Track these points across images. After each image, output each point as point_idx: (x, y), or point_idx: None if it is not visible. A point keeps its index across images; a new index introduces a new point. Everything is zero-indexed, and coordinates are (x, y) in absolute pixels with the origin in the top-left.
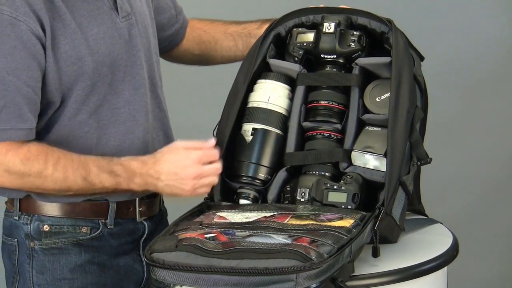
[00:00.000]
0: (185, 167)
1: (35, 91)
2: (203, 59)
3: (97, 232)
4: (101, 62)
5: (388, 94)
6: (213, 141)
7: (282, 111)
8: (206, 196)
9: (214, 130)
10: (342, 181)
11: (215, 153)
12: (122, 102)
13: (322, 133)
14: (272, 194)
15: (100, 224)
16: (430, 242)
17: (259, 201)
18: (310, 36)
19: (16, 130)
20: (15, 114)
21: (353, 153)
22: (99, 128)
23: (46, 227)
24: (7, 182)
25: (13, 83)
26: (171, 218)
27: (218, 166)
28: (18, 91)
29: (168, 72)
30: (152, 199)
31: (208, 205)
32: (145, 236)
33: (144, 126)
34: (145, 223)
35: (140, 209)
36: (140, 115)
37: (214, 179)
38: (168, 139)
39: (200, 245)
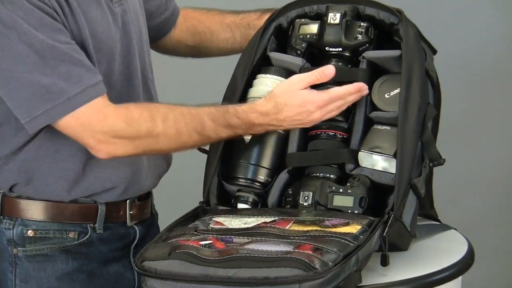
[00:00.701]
0: (309, 113)
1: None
2: (197, 51)
3: (86, 237)
4: (99, 48)
5: (397, 90)
6: (332, 70)
7: None
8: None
9: None
10: (348, 184)
11: (343, 89)
12: (114, 94)
13: (326, 132)
14: (272, 197)
15: (89, 228)
16: (444, 249)
17: (259, 205)
18: (313, 28)
19: (93, 86)
20: (83, 71)
21: (360, 153)
22: None
23: (30, 232)
24: (121, 149)
25: (63, 47)
26: (163, 222)
27: (343, 103)
28: (70, 51)
29: (160, 65)
30: (143, 202)
31: (204, 209)
32: (136, 241)
33: None
34: (136, 227)
35: (131, 212)
36: None
37: (341, 109)
38: None
39: (195, 253)
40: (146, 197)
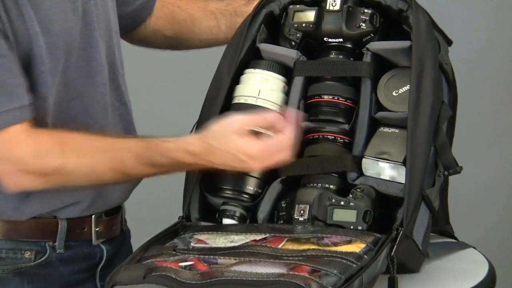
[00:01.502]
0: (242, 162)
1: (12, 65)
2: (177, 42)
3: (44, 257)
4: (54, 44)
5: (407, 87)
6: (275, 115)
7: (276, 108)
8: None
9: (191, 132)
10: (350, 196)
11: (283, 136)
12: (73, 93)
13: (325, 136)
14: (263, 211)
15: (48, 247)
16: (461, 271)
17: (247, 220)
18: (310, 15)
19: (11, 112)
20: (3, 93)
21: (364, 160)
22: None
23: None
24: (29, 183)
25: None
26: (136, 240)
27: (288, 137)
28: None
29: (132, 58)
30: (112, 217)
31: (184, 225)
32: (103, 262)
33: (100, 123)
34: (103, 246)
35: (97, 229)
36: (96, 110)
37: (285, 156)
38: None
39: (174, 276)
40: (115, 212)
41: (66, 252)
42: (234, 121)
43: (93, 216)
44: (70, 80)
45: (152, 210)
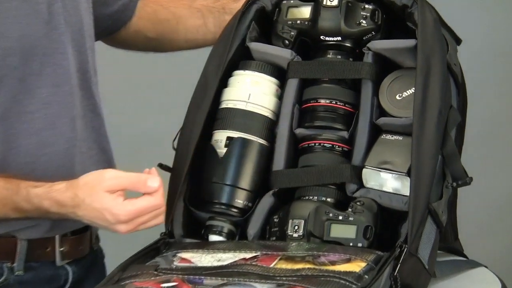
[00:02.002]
0: (109, 223)
1: None
2: (160, 43)
3: (1, 280)
4: (10, 49)
5: (412, 90)
6: (155, 178)
7: (268, 113)
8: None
9: (174, 141)
10: (349, 210)
11: (157, 201)
12: (37, 104)
13: (322, 144)
14: (254, 227)
15: (5, 269)
16: None
17: (236, 237)
18: (305, 11)
19: None
20: None
21: (364, 170)
22: (6, 139)
23: None
24: None
25: None
26: (112, 259)
27: (160, 212)
28: None
29: (106, 61)
30: (79, 236)
31: (166, 242)
32: (68, 285)
33: (67, 137)
34: (69, 268)
35: (61, 249)
36: (62, 122)
37: (157, 222)
38: (104, 155)
39: None
40: (83, 230)
41: (26, 274)
42: (108, 177)
43: (56, 235)
44: (32, 89)
45: None
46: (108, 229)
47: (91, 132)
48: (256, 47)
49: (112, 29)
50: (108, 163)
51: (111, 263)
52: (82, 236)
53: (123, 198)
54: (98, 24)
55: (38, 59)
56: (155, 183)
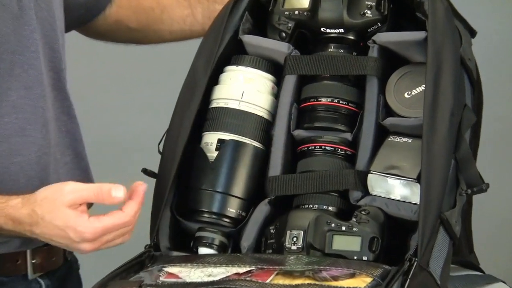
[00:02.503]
0: (72, 242)
1: None
2: (143, 34)
3: None
4: None
5: (422, 88)
6: (119, 188)
7: (263, 113)
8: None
9: (159, 144)
10: (353, 219)
11: (127, 217)
12: (6, 108)
13: (323, 147)
14: (248, 239)
15: None
16: None
17: (229, 250)
18: (304, 1)
19: None
20: None
21: (370, 176)
22: None
23: None
24: None
25: None
26: (89, 274)
27: (128, 230)
28: None
29: (80, 54)
30: (52, 246)
31: (152, 255)
32: None
33: (40, 144)
34: (42, 281)
35: (33, 261)
36: (34, 128)
37: (123, 240)
38: (80, 161)
39: None
40: None
41: None
42: (68, 190)
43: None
44: (1, 92)
45: None
46: (69, 248)
47: (65, 136)
48: (250, 40)
49: (85, 18)
50: (84, 170)
51: (87, 276)
52: (55, 247)
53: (88, 215)
54: (70, 13)
55: (7, 58)
56: (119, 193)
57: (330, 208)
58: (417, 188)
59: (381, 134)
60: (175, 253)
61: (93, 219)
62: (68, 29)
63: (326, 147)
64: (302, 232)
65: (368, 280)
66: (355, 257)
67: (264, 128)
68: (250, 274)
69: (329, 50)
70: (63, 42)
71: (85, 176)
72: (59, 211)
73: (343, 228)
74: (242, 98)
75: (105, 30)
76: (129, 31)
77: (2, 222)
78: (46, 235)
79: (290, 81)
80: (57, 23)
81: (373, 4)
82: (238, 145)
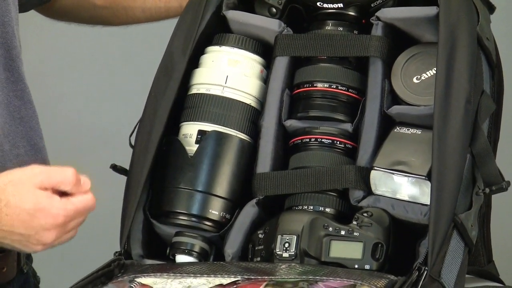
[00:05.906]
0: (39, 230)
1: None
2: (111, 13)
3: None
4: None
5: (433, 71)
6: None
7: (250, 100)
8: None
9: (130, 136)
10: (354, 223)
11: (93, 201)
12: None
13: (319, 139)
14: (232, 245)
15: None
16: None
17: (211, 257)
18: None
19: None
20: None
21: (373, 173)
22: None
23: None
24: None
25: None
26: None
27: (88, 200)
28: None
29: (39, 37)
30: (2, 254)
31: (122, 264)
32: None
33: None
34: None
35: None
36: None
37: (74, 233)
38: (36, 154)
39: None
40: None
41: None
42: (38, 171)
43: None
44: None
45: (77, 244)
46: (25, 246)
47: (19, 124)
48: (235, 16)
49: None
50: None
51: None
52: (6, 255)
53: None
54: None
55: None
56: (87, 184)
57: (328, 209)
58: (427, 186)
59: (386, 124)
60: (149, 262)
61: (65, 200)
62: (26, 8)
63: (322, 140)
64: (295, 237)
65: None
66: (356, 266)
67: (251, 118)
68: (235, 286)
69: (327, 28)
70: (17, 16)
71: None
72: (29, 192)
73: (342, 232)
74: (226, 83)
75: (68, 10)
76: (95, 9)
77: None
78: (4, 227)
79: (281, 63)
80: (9, 2)
81: None
82: (221, 137)
